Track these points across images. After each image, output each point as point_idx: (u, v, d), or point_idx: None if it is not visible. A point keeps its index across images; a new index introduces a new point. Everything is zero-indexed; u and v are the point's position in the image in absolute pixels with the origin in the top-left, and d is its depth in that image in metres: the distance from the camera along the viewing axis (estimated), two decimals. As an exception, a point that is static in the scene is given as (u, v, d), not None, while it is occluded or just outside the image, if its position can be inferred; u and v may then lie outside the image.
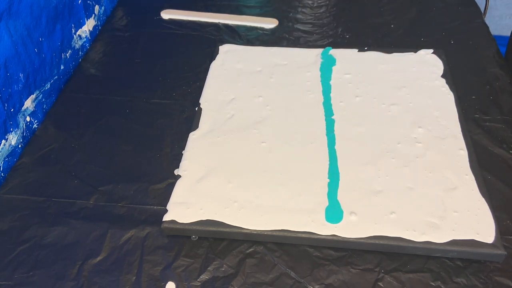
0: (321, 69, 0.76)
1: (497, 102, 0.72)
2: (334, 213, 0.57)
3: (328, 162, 0.63)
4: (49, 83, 0.77)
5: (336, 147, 0.64)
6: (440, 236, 0.54)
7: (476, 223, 0.55)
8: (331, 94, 0.72)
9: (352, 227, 0.55)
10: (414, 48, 0.79)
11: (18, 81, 0.69)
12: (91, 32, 0.89)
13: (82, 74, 0.81)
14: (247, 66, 0.78)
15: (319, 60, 0.78)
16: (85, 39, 0.87)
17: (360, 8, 0.93)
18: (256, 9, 0.94)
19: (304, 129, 0.67)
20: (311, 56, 0.79)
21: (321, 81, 0.74)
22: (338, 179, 0.60)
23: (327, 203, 0.58)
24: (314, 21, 0.90)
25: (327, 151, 0.64)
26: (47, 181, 0.65)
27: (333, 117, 0.68)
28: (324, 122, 0.68)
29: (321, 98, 0.71)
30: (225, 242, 0.58)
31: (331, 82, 0.74)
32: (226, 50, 0.82)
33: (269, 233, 0.56)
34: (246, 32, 0.89)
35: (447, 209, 0.57)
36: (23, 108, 0.70)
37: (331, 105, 0.70)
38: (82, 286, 0.54)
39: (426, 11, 0.92)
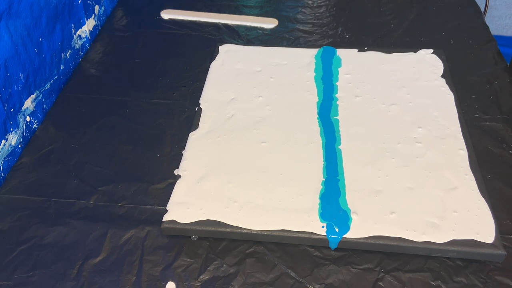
0: (323, 69, 0.76)
1: (497, 101, 0.72)
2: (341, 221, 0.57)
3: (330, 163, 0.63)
4: (49, 83, 0.77)
5: (335, 147, 0.64)
6: (440, 236, 0.54)
7: (476, 223, 0.55)
8: (332, 94, 0.72)
9: (352, 227, 0.56)
10: (414, 48, 0.79)
11: (18, 81, 0.69)
12: (91, 32, 0.89)
13: (82, 74, 0.81)
14: (247, 66, 0.78)
15: (319, 60, 0.78)
16: (85, 39, 0.87)
17: (360, 8, 0.93)
18: (256, 9, 0.95)
19: (304, 129, 0.67)
20: (311, 56, 0.79)
21: (322, 80, 0.74)
22: (343, 182, 0.60)
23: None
24: (314, 21, 0.90)
25: (328, 151, 0.64)
26: (47, 181, 0.65)
27: (336, 117, 0.68)
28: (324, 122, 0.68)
29: (322, 98, 0.72)
30: (225, 242, 0.58)
31: (337, 83, 0.74)
32: (226, 50, 0.82)
33: (269, 233, 0.56)
34: (246, 32, 0.89)
35: (447, 209, 0.57)
36: (23, 108, 0.70)
37: (337, 105, 0.70)
38: (82, 286, 0.54)
39: (426, 11, 0.92)
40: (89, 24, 0.88)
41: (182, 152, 0.66)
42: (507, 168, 0.64)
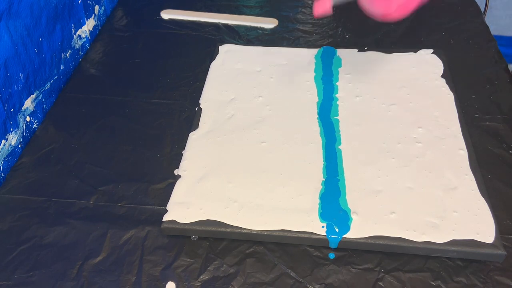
0: (323, 69, 0.76)
1: (497, 101, 0.72)
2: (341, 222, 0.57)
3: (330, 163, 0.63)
4: (49, 83, 0.77)
5: (335, 146, 0.64)
6: (440, 236, 0.54)
7: (476, 223, 0.55)
8: (332, 94, 0.72)
9: (352, 227, 0.55)
10: (414, 48, 0.79)
11: (18, 81, 0.69)
12: (91, 32, 0.89)
13: (82, 74, 0.81)
14: (247, 66, 0.78)
15: (319, 60, 0.78)
16: (85, 39, 0.87)
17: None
18: (256, 9, 0.95)
19: (304, 129, 0.67)
20: (311, 56, 0.79)
21: (322, 80, 0.74)
22: (343, 183, 0.60)
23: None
24: (314, 21, 0.90)
25: (328, 151, 0.64)
26: (47, 181, 0.65)
27: (336, 117, 0.68)
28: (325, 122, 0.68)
29: (322, 98, 0.72)
30: (225, 242, 0.58)
31: (337, 83, 0.73)
32: (226, 50, 0.82)
33: (269, 233, 0.56)
34: (246, 32, 0.89)
35: (447, 209, 0.57)
36: (23, 108, 0.70)
37: (337, 105, 0.70)
38: (82, 286, 0.54)
39: (426, 11, 0.91)
40: (89, 24, 0.88)
41: (182, 152, 0.66)
42: (507, 168, 0.64)
